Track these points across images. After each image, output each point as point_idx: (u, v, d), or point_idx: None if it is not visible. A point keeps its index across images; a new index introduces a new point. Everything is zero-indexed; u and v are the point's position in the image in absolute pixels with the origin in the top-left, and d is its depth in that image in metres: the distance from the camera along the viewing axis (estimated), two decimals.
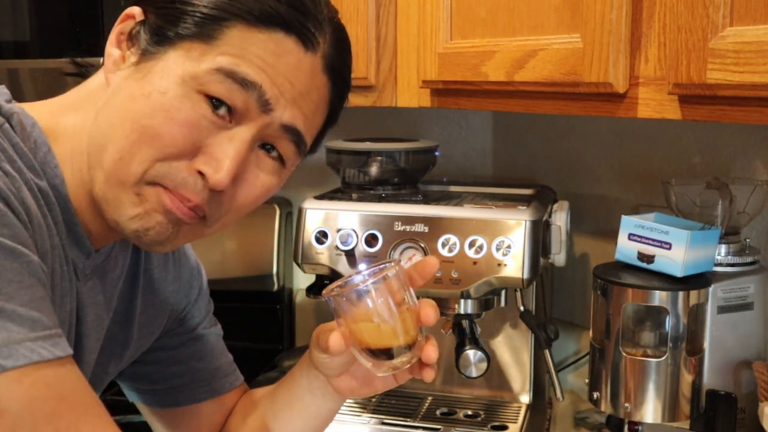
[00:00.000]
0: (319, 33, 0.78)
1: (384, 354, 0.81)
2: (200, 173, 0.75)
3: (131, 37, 0.78)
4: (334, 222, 1.34)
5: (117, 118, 0.75)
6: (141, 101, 0.74)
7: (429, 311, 0.81)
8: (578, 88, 1.03)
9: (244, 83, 0.74)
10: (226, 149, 0.75)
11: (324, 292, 0.82)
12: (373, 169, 1.43)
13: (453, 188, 1.53)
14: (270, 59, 0.75)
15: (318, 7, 0.79)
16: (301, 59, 0.77)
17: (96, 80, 0.82)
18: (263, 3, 0.75)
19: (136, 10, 0.78)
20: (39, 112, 0.79)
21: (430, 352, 0.82)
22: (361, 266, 0.82)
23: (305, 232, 1.35)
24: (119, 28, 0.78)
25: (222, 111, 0.75)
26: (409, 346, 0.81)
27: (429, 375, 0.84)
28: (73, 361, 0.70)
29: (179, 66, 0.74)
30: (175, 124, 0.73)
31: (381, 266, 0.83)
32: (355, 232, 1.32)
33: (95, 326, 0.86)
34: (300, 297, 1.84)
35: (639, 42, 0.98)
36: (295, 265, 1.39)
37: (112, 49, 0.78)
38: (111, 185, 0.75)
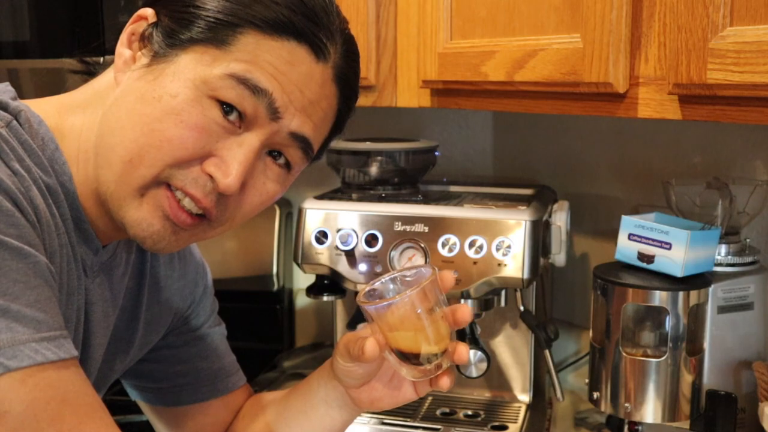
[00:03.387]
0: (331, 43, 0.79)
1: (418, 359, 0.81)
2: (209, 176, 0.76)
3: (143, 38, 0.78)
4: (334, 222, 1.34)
5: (126, 119, 0.75)
6: (151, 104, 0.74)
7: (464, 313, 0.82)
8: (578, 88, 1.03)
9: (255, 90, 0.75)
10: (236, 154, 0.76)
11: (358, 299, 0.81)
12: (373, 169, 1.43)
13: (453, 188, 1.53)
14: (282, 67, 0.75)
15: (330, 17, 0.79)
16: (312, 69, 0.77)
17: (104, 79, 0.82)
18: (277, 11, 0.75)
19: (148, 12, 0.78)
20: (44, 110, 0.79)
21: (462, 353, 0.82)
22: (396, 265, 0.82)
23: (305, 232, 1.35)
24: (131, 28, 0.78)
25: (232, 116, 0.75)
26: (443, 351, 0.82)
27: (446, 383, 0.84)
28: (78, 363, 0.70)
29: (191, 70, 0.74)
30: (186, 128, 0.74)
31: (415, 270, 0.83)
32: (355, 232, 1.32)
33: (102, 323, 0.86)
34: (300, 297, 1.84)
35: (639, 42, 0.98)
36: (295, 265, 1.40)
37: (122, 49, 0.78)
38: (118, 185, 0.76)
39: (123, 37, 0.79)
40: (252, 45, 0.75)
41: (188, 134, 0.74)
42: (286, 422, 0.98)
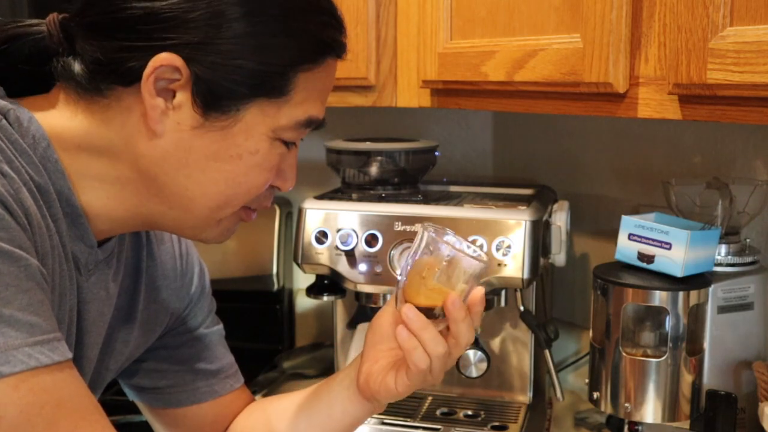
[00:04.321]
0: (345, 38, 0.83)
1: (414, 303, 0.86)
2: (272, 186, 0.84)
3: (176, 89, 0.75)
4: (334, 222, 1.34)
5: (204, 177, 0.78)
6: (231, 162, 0.78)
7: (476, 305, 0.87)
8: (578, 88, 1.03)
9: (311, 123, 0.81)
10: (290, 162, 0.84)
11: (425, 224, 0.86)
12: (373, 169, 1.43)
13: (453, 188, 1.53)
14: (325, 85, 0.82)
15: (340, 15, 0.82)
16: (336, 68, 0.83)
17: (109, 107, 0.77)
18: (311, 37, 0.78)
19: (177, 61, 0.73)
20: (34, 106, 0.78)
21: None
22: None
23: (305, 232, 1.35)
24: (155, 75, 0.73)
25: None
26: (429, 311, 0.85)
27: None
28: (73, 365, 0.70)
29: (260, 123, 0.78)
30: (267, 172, 0.81)
31: (475, 249, 0.88)
32: (355, 232, 1.32)
33: (97, 322, 0.85)
34: (300, 297, 1.84)
35: (639, 42, 0.98)
36: (295, 265, 1.40)
37: (153, 101, 0.74)
38: (200, 222, 0.82)
39: (149, 87, 0.74)
40: (303, 84, 0.79)
41: (269, 175, 0.81)
42: (300, 409, 0.99)
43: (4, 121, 0.74)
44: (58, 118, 0.78)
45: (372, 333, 0.93)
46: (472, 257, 0.85)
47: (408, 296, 0.86)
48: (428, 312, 0.85)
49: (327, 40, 0.80)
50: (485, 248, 1.26)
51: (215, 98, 0.75)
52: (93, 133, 0.78)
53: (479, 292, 0.86)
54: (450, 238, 0.86)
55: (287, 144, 0.81)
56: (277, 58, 0.76)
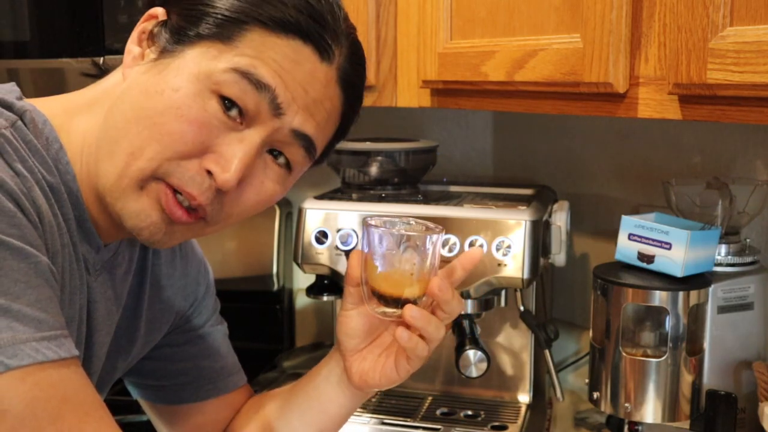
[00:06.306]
0: (336, 45, 0.79)
1: (384, 299, 0.84)
2: (208, 172, 0.75)
3: (152, 36, 0.79)
4: (334, 222, 1.34)
5: (130, 112, 0.75)
6: (154, 98, 0.75)
7: (440, 286, 0.84)
8: (578, 88, 1.03)
9: (258, 85, 0.75)
10: (236, 150, 0.75)
11: (366, 219, 0.84)
12: (373, 169, 1.43)
13: (453, 188, 1.53)
14: (286, 65, 0.76)
15: (336, 21, 0.80)
16: (316, 68, 0.78)
17: (113, 79, 0.83)
18: (284, 11, 0.76)
19: (159, 11, 0.79)
20: (50, 108, 0.80)
21: (435, 285, 0.84)
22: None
23: (305, 232, 1.35)
24: (141, 27, 0.79)
25: (233, 113, 0.75)
26: (403, 303, 0.84)
27: (401, 335, 0.84)
28: (78, 362, 0.70)
29: (195, 64, 0.75)
30: (185, 122, 0.74)
31: (424, 224, 0.86)
32: (355, 232, 1.32)
33: (106, 321, 0.86)
34: (300, 297, 1.84)
35: (639, 42, 0.98)
36: (295, 265, 1.40)
37: (132, 47, 0.79)
38: (118, 177, 0.76)
39: (134, 35, 0.80)
40: (257, 41, 0.75)
41: (187, 128, 0.74)
42: (290, 408, 0.99)
43: (19, 122, 0.75)
44: (76, 117, 0.81)
45: (345, 334, 0.90)
46: (422, 232, 0.84)
47: (377, 288, 0.84)
48: (397, 300, 0.84)
49: (300, 22, 0.76)
50: (485, 248, 1.26)
51: (174, 41, 0.77)
52: (89, 94, 0.82)
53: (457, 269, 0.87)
54: (396, 225, 0.85)
55: (226, 105, 0.75)
56: (241, 8, 0.76)
